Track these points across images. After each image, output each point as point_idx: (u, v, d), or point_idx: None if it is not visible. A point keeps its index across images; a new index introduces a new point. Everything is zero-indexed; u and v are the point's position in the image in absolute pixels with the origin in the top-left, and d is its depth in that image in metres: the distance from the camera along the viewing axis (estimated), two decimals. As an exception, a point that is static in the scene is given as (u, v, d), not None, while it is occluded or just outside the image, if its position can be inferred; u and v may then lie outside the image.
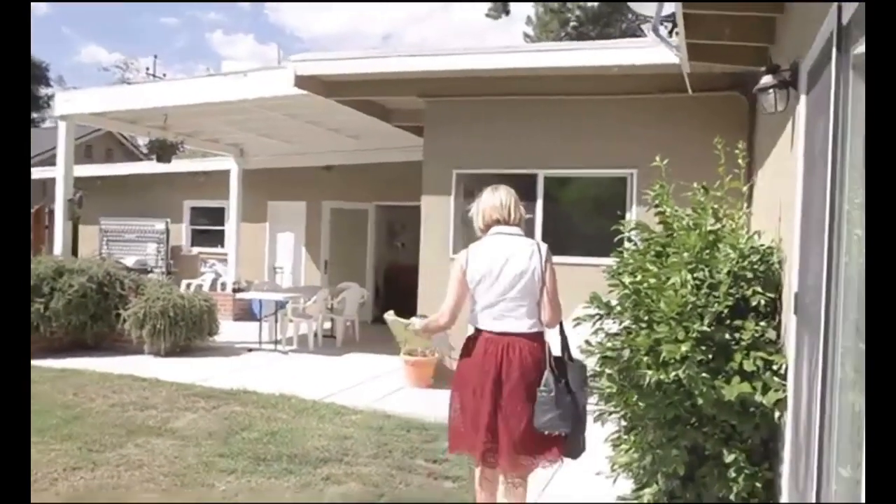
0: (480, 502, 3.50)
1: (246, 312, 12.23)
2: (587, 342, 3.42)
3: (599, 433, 3.57)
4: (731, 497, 3.06)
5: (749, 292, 3.19)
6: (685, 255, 3.25)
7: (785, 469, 2.91)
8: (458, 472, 4.64)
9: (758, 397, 2.95)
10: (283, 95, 8.12)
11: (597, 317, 3.41)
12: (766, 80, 3.30)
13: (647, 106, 7.17)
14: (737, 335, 3.10)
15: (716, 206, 3.60)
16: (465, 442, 3.36)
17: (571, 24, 27.03)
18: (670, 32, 5.80)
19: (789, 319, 2.99)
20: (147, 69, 23.04)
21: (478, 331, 3.36)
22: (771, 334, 3.15)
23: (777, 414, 2.97)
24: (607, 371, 3.34)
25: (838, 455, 2.18)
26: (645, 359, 3.07)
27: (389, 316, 7.40)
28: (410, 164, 9.43)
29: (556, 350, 3.39)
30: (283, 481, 4.45)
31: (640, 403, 3.16)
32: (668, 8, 5.13)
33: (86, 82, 49.13)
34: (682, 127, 6.86)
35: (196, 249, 14.86)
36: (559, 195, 7.71)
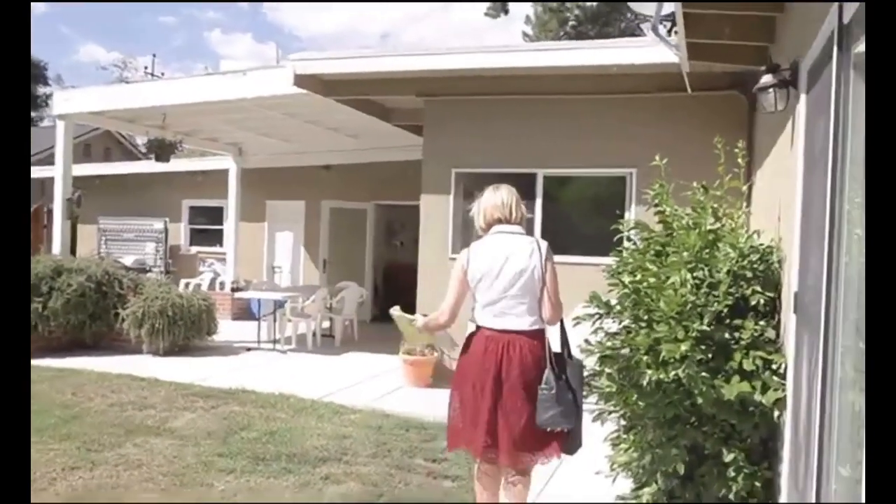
0: (480, 500, 3.51)
1: (244, 312, 12.22)
2: (587, 341, 3.42)
3: (599, 432, 3.57)
4: (731, 496, 3.06)
5: (748, 292, 3.19)
6: (685, 254, 3.25)
7: (784, 468, 2.91)
8: (457, 471, 4.64)
9: (757, 396, 2.95)
10: (281, 94, 8.12)
11: (596, 316, 3.41)
12: (766, 79, 3.30)
13: (646, 105, 7.17)
14: (736, 334, 3.10)
15: (715, 205, 3.60)
16: (463, 439, 3.38)
17: (570, 23, 27.03)
18: (669, 31, 5.80)
19: (789, 319, 2.99)
20: (145, 68, 22.97)
21: (479, 328, 3.37)
22: (770, 333, 3.15)
23: (776, 413, 2.97)
24: (607, 370, 3.35)
25: (838, 454, 2.18)
26: (644, 358, 3.07)
27: (395, 311, 7.41)
28: (409, 164, 9.43)
29: (557, 347, 3.40)
30: (282, 481, 4.45)
31: (640, 403, 3.16)
32: (668, 7, 5.13)
33: (84, 81, 49.10)
34: (681, 126, 6.86)
35: (195, 249, 14.85)
36: (558, 194, 7.71)
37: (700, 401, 3.00)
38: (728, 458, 3.05)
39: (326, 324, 10.69)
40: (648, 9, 5.74)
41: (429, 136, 8.06)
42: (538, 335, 3.31)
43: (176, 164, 12.68)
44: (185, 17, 65.52)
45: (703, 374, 2.99)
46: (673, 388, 3.05)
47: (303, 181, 13.18)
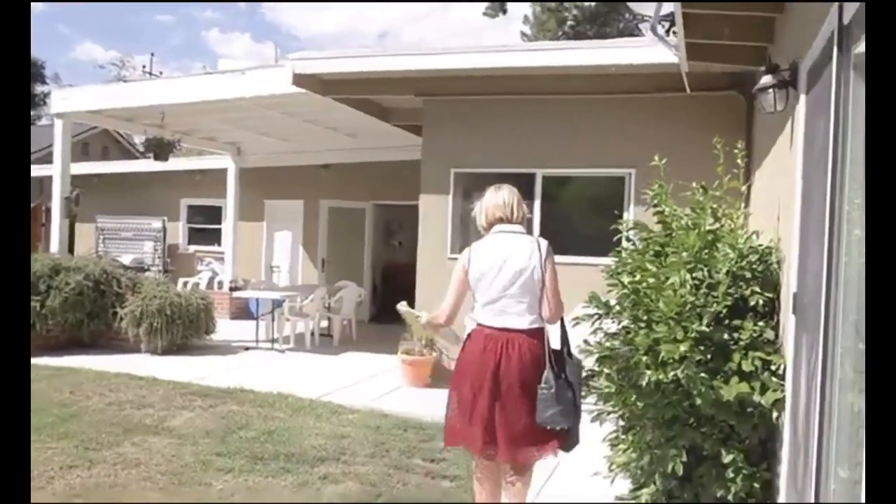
0: (478, 500, 3.51)
1: (243, 311, 12.22)
2: (585, 342, 3.42)
3: (597, 433, 3.57)
4: (729, 497, 3.06)
5: (748, 292, 3.19)
6: (684, 254, 3.25)
7: (783, 469, 2.91)
8: (455, 471, 4.64)
9: (756, 397, 2.96)
10: (280, 94, 8.11)
11: (595, 316, 3.41)
12: (766, 79, 3.31)
13: (645, 105, 7.17)
14: (735, 335, 3.10)
15: (714, 205, 3.60)
16: (461, 436, 3.39)
17: (569, 23, 27.03)
18: (668, 31, 5.81)
19: (788, 319, 2.99)
20: (143, 67, 22.98)
21: (479, 326, 3.40)
22: (769, 334, 3.15)
23: (775, 414, 2.97)
24: (606, 371, 3.35)
25: (837, 455, 2.18)
26: (644, 358, 3.07)
27: (402, 306, 7.42)
28: (408, 163, 9.42)
29: (557, 346, 3.42)
30: (281, 480, 4.44)
31: (639, 403, 3.16)
32: (667, 7, 5.14)
33: (82, 80, 49.06)
34: (680, 126, 6.86)
35: (193, 248, 14.84)
36: (557, 194, 7.71)
37: (699, 401, 2.99)
38: (727, 458, 3.05)
39: (325, 323, 10.68)
40: (647, 9, 5.75)
41: (428, 135, 8.05)
42: (537, 334, 3.32)
43: (174, 163, 12.65)
44: (183, 16, 65.52)
45: (702, 374, 2.99)
46: (672, 388, 3.05)
47: (301, 180, 13.17)
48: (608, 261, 3.64)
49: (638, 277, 3.31)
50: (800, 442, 2.66)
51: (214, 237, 14.45)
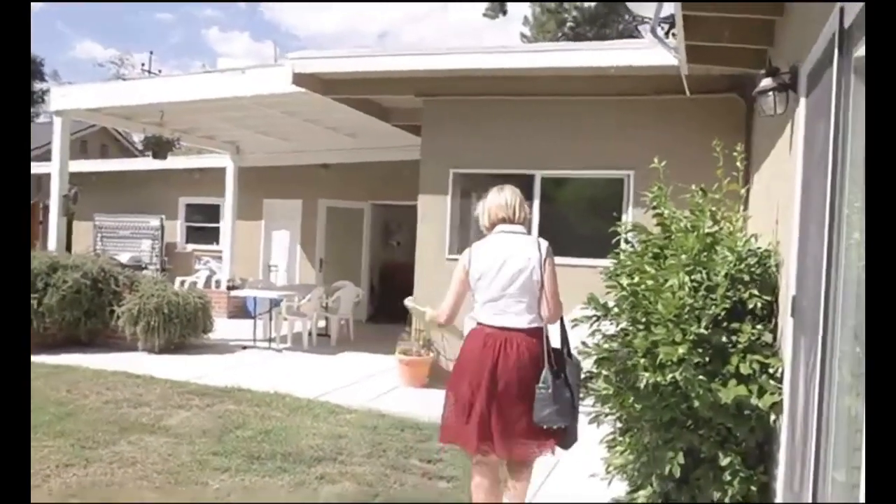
0: (476, 500, 3.52)
1: (240, 310, 12.20)
2: (584, 343, 3.43)
3: (594, 434, 3.57)
4: (726, 500, 3.06)
5: (746, 295, 3.19)
6: (683, 257, 3.25)
7: (780, 472, 2.92)
8: (452, 471, 4.63)
9: (754, 400, 2.96)
10: (280, 93, 8.12)
11: (594, 318, 3.42)
12: (766, 82, 3.31)
13: (644, 107, 7.18)
14: (734, 338, 3.11)
15: (713, 208, 3.60)
16: (455, 434, 3.42)
17: (568, 24, 27.05)
18: (667, 33, 5.80)
19: (786, 323, 2.99)
20: (142, 65, 22.94)
21: (479, 325, 3.43)
22: (767, 337, 3.15)
23: (772, 417, 2.97)
24: (604, 372, 3.35)
25: (834, 458, 2.18)
26: (642, 361, 3.07)
27: (409, 302, 7.45)
28: (407, 163, 9.42)
29: (557, 345, 3.44)
30: (277, 480, 4.44)
31: (637, 405, 3.16)
32: (667, 9, 5.14)
33: (80, 77, 49.03)
34: (679, 128, 6.87)
35: (191, 246, 14.82)
36: (556, 196, 7.71)
37: (697, 404, 2.99)
38: (724, 461, 3.05)
39: (322, 323, 10.68)
40: (647, 10, 5.75)
41: (427, 136, 8.05)
42: (536, 333, 3.35)
43: (173, 162, 12.66)
44: (183, 14, 65.40)
45: (700, 377, 2.99)
46: (670, 390, 3.05)
47: (300, 180, 13.17)
48: (607, 262, 3.65)
49: (637, 279, 3.31)
50: (797, 445, 2.66)
51: (212, 236, 14.44)
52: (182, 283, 12.00)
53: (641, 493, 3.37)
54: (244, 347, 9.52)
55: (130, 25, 59.34)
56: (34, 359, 7.67)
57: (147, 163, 12.76)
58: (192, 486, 4.29)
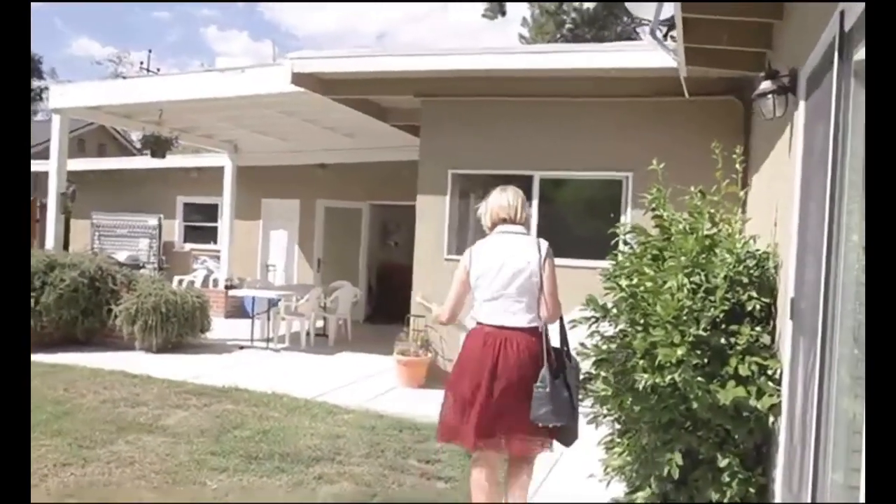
0: (475, 500, 3.53)
1: (238, 310, 12.19)
2: (582, 344, 3.44)
3: (593, 436, 3.58)
4: (725, 501, 3.06)
5: (745, 297, 3.20)
6: (682, 259, 3.26)
7: (778, 474, 2.92)
8: (450, 472, 4.64)
9: (752, 402, 2.96)
10: (279, 92, 8.11)
11: (592, 319, 3.42)
12: (765, 85, 3.32)
13: (643, 109, 7.19)
14: (732, 339, 3.11)
15: (712, 210, 3.61)
16: (453, 432, 3.44)
17: (567, 26, 27.06)
18: (665, 36, 5.81)
19: (784, 324, 3.00)
20: (141, 63, 22.85)
21: (479, 325, 3.46)
22: (765, 339, 3.16)
23: (771, 419, 2.98)
24: (602, 374, 3.35)
25: (833, 460, 2.19)
26: (640, 362, 3.07)
27: (418, 298, 7.47)
28: (405, 164, 9.43)
29: (557, 345, 3.47)
30: (275, 480, 4.44)
31: (635, 406, 3.16)
32: (666, 11, 5.14)
33: (78, 75, 48.94)
34: (678, 130, 6.88)
35: (188, 246, 14.80)
36: (555, 197, 7.72)
37: (695, 405, 3.00)
38: (722, 462, 3.05)
39: (320, 323, 10.67)
40: (646, 12, 5.75)
41: (426, 136, 8.05)
42: (536, 332, 3.38)
43: (171, 161, 12.65)
44: (181, 13, 65.33)
45: (699, 378, 2.99)
46: (668, 392, 3.06)
47: (298, 180, 13.16)
48: (605, 264, 3.66)
49: (635, 281, 3.32)
50: (795, 446, 2.67)
51: (210, 235, 14.42)
52: (180, 282, 11.99)
53: (640, 494, 3.37)
54: (242, 347, 9.51)
55: (128, 24, 59.30)
56: (32, 358, 7.65)
57: (145, 161, 12.74)
58: (189, 486, 4.28)
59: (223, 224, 12.90)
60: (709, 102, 6.71)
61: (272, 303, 9.88)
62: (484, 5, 27.46)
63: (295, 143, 12.06)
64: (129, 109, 10.19)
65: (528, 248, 3.45)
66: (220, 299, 12.13)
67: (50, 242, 9.88)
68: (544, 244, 3.48)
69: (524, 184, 7.36)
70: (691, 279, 3.19)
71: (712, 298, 3.12)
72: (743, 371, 3.00)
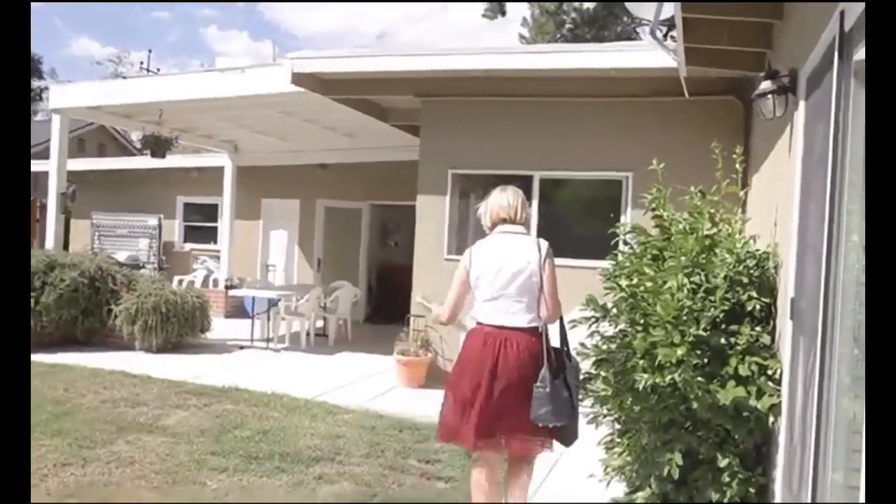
0: (475, 500, 3.54)
1: (238, 310, 12.19)
2: (582, 345, 3.44)
3: (593, 436, 3.58)
4: (725, 501, 3.06)
5: (745, 297, 3.20)
6: (682, 259, 3.26)
7: (778, 474, 2.92)
8: (450, 472, 4.64)
9: (752, 402, 2.96)
10: (279, 92, 8.11)
11: (592, 319, 3.42)
12: (765, 85, 3.32)
13: (643, 109, 7.19)
14: (732, 340, 3.11)
15: (712, 210, 3.61)
16: (453, 431, 3.44)
17: (567, 26, 27.06)
18: (665, 36, 5.81)
19: (784, 325, 3.00)
20: (141, 63, 22.86)
21: (479, 325, 3.47)
22: (765, 339, 3.16)
23: (771, 419, 2.98)
24: (602, 374, 3.35)
25: (833, 460, 2.19)
26: (640, 362, 3.07)
27: (418, 298, 7.49)
28: (405, 164, 9.42)
29: (557, 345, 3.48)
30: (276, 480, 4.44)
31: (635, 407, 3.16)
32: (666, 11, 5.14)
33: (78, 75, 48.92)
34: (678, 130, 6.88)
35: (188, 246, 14.80)
36: (555, 197, 7.72)
37: (695, 405, 3.00)
38: (722, 462, 3.05)
39: (320, 323, 10.67)
40: (646, 12, 5.75)
41: (426, 136, 8.06)
42: (536, 332, 3.39)
43: (171, 161, 12.66)
44: (180, 13, 65.31)
45: (699, 378, 2.99)
46: (668, 392, 3.06)
47: (298, 180, 13.16)
48: (605, 264, 3.66)
49: (635, 281, 3.32)
50: (795, 446, 2.67)
51: (210, 235, 14.42)
52: (180, 282, 11.99)
53: (640, 494, 3.37)
54: (242, 347, 9.51)
55: (128, 24, 59.28)
56: (32, 358, 7.65)
57: (145, 161, 12.74)
58: (190, 486, 4.28)
59: (223, 224, 12.90)
60: (709, 102, 6.71)
61: (272, 303, 9.88)
62: (484, 5, 27.47)
63: (295, 143, 12.06)
64: (129, 109, 10.19)
65: (529, 248, 3.46)
66: (220, 299, 12.13)
67: (50, 242, 9.88)
68: (544, 244, 3.49)
69: (524, 184, 7.35)
70: (691, 279, 3.19)
71: (712, 298, 3.12)
72: (743, 371, 3.00)
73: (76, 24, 63.39)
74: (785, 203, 3.26)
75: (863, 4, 1.85)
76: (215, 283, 12.98)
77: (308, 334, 9.86)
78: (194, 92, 8.99)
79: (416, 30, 58.00)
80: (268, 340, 9.68)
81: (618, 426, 3.52)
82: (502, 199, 3.60)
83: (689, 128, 6.77)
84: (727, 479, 3.05)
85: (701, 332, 3.04)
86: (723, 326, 3.13)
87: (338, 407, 6.29)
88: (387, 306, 12.17)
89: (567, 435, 3.42)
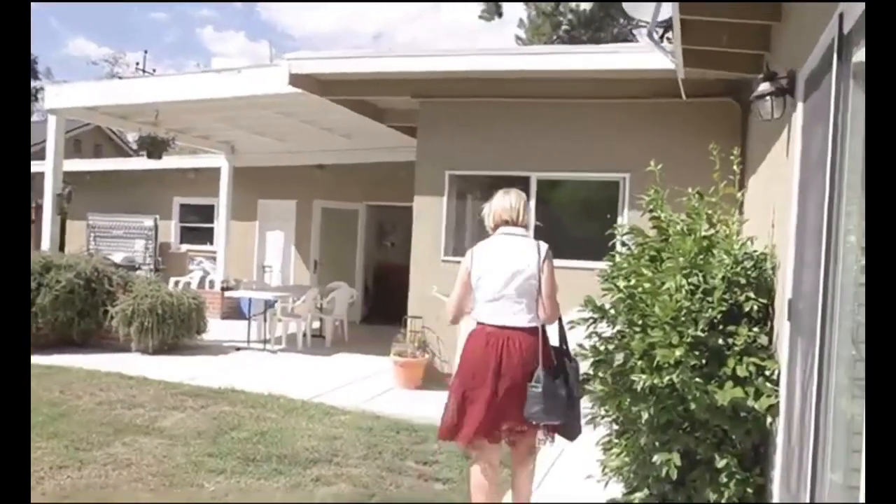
0: (475, 500, 3.56)
1: (234, 311, 12.17)
2: (580, 345, 3.45)
3: (591, 436, 3.59)
4: (722, 502, 3.06)
5: (742, 298, 3.21)
6: (680, 260, 3.26)
7: (776, 474, 2.93)
8: (448, 473, 4.64)
9: (750, 402, 2.96)
10: (275, 93, 8.10)
11: (591, 320, 3.43)
12: (764, 87, 3.32)
13: (640, 110, 7.20)
14: (730, 340, 3.11)
15: (710, 211, 3.62)
16: (454, 430, 3.47)
17: (563, 27, 27.09)
18: (661, 37, 5.83)
19: (782, 325, 3.00)
20: (137, 64, 22.83)
21: (480, 325, 3.52)
22: (763, 340, 3.16)
23: (769, 419, 2.98)
24: (600, 374, 3.36)
25: (831, 461, 2.19)
26: (639, 363, 3.07)
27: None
28: (402, 165, 9.43)
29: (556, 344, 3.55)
30: (273, 482, 4.43)
31: (633, 407, 3.17)
32: (664, 13, 5.15)
33: (74, 76, 48.72)
34: (675, 132, 6.89)
35: (185, 247, 14.77)
36: (552, 198, 7.73)
37: (693, 406, 3.00)
38: (720, 463, 3.05)
39: (317, 324, 10.66)
40: (644, 14, 5.76)
41: (423, 137, 8.06)
42: (536, 332, 3.44)
43: (167, 162, 12.62)
44: (177, 13, 65.12)
45: (697, 379, 2.99)
46: (666, 393, 3.06)
47: (295, 180, 13.15)
48: (603, 265, 3.66)
49: (633, 282, 3.32)
50: (793, 447, 2.67)
51: (206, 236, 14.39)
52: (176, 283, 11.94)
53: (637, 494, 3.37)
54: (238, 349, 9.50)
55: (125, 24, 59.12)
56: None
57: (141, 162, 12.68)
58: (187, 489, 4.27)
59: (219, 225, 12.87)
60: (706, 104, 6.72)
61: (269, 304, 9.87)
62: (481, 6, 27.49)
63: (292, 144, 12.04)
64: (126, 110, 10.17)
65: (528, 249, 3.51)
66: (216, 300, 12.10)
67: (46, 243, 9.84)
68: (544, 246, 3.53)
69: (521, 185, 7.34)
70: (689, 280, 3.19)
71: (710, 299, 3.12)
72: (741, 372, 3.00)
73: (72, 24, 63.20)
74: (783, 204, 3.26)
75: (862, 6, 1.86)
76: (211, 284, 12.95)
77: (305, 335, 9.85)
78: (191, 93, 8.97)
79: (412, 30, 58.04)
80: (264, 342, 9.67)
81: (616, 427, 3.53)
82: (505, 202, 3.66)
83: (686, 129, 6.79)
84: (725, 480, 3.05)
85: (699, 333, 3.04)
86: (720, 327, 3.14)
87: (335, 408, 6.29)
88: (383, 307, 12.16)
89: (569, 430, 3.51)
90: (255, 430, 5.44)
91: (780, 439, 2.90)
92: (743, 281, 3.25)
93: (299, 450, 5.02)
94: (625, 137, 7.17)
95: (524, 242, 3.57)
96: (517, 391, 3.34)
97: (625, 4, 6.93)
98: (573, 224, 7.68)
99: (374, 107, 9.07)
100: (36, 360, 7.74)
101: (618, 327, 3.37)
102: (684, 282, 3.17)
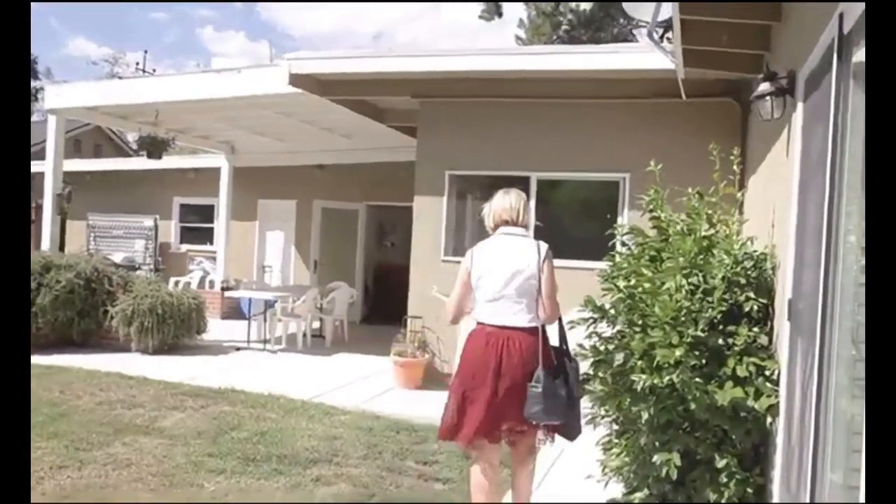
0: (475, 500, 3.56)
1: (234, 311, 12.17)
2: (580, 345, 3.45)
3: (591, 436, 3.59)
4: (722, 502, 3.07)
5: (742, 298, 3.21)
6: (680, 259, 3.26)
7: (776, 474, 2.93)
8: (448, 473, 4.64)
9: (750, 402, 2.96)
10: (275, 93, 8.10)
11: (591, 320, 3.43)
12: (764, 87, 3.32)
13: (640, 110, 7.20)
14: (730, 340, 3.11)
15: (710, 211, 3.62)
16: (454, 430, 3.47)
17: (563, 27, 27.09)
18: (661, 37, 5.83)
19: (782, 326, 3.00)
20: (137, 64, 22.83)
21: (480, 325, 3.52)
22: (763, 340, 3.16)
23: (769, 419, 2.98)
24: (600, 374, 3.36)
25: (832, 460, 2.19)
26: (639, 363, 3.07)
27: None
28: (402, 165, 9.42)
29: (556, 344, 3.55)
30: (273, 482, 4.43)
31: (633, 407, 3.17)
32: (664, 13, 5.15)
33: (74, 76, 48.71)
34: (675, 132, 6.89)
35: (185, 247, 14.77)
36: (552, 198, 7.73)
37: (693, 406, 3.00)
38: (720, 463, 3.05)
39: (317, 324, 10.66)
40: (643, 14, 5.76)
41: (423, 137, 8.06)
42: (537, 332, 3.44)
43: (167, 162, 12.62)
44: (177, 13, 65.09)
45: (697, 379, 2.99)
46: (666, 393, 3.06)
47: (295, 180, 13.15)
48: (603, 265, 3.66)
49: (633, 282, 3.33)
50: (793, 447, 2.67)
51: (206, 236, 14.39)
52: (176, 283, 11.94)
53: (637, 494, 3.37)
54: (238, 349, 9.50)
55: (125, 24, 59.11)
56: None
57: (141, 162, 12.68)
58: (187, 489, 4.27)
59: (219, 225, 12.87)
60: (706, 104, 6.72)
61: (269, 304, 9.87)
62: (481, 6, 27.49)
63: (292, 144, 12.05)
64: (126, 110, 10.17)
65: (528, 249, 3.51)
66: (216, 300, 12.10)
67: (46, 243, 9.84)
68: (544, 246, 3.53)
69: (521, 185, 7.34)
70: (689, 280, 3.19)
71: (710, 299, 3.12)
72: (741, 372, 3.00)
73: (72, 24, 63.19)
74: (783, 204, 3.26)
75: (862, 6, 1.86)
76: (211, 284, 12.95)
77: (305, 335, 9.85)
78: (191, 93, 8.97)
79: (412, 30, 58.03)
80: (264, 342, 9.67)
81: (616, 427, 3.53)
82: (505, 202, 3.66)
83: (686, 129, 6.79)
84: (725, 480, 3.05)
85: (699, 333, 3.04)
86: (720, 327, 3.14)
87: (335, 408, 6.29)
88: (383, 307, 12.16)
89: (570, 430, 3.51)
90: (255, 430, 5.44)
91: (780, 439, 2.90)
92: (743, 281, 3.25)
93: (299, 450, 5.02)
94: (625, 137, 7.17)
95: (524, 242, 3.57)
96: (517, 391, 3.34)
97: (625, 4, 6.93)
98: (573, 224, 7.68)
99: (374, 107, 9.07)
100: (36, 360, 7.74)
101: (618, 327, 3.37)
102: (684, 282, 3.17)
